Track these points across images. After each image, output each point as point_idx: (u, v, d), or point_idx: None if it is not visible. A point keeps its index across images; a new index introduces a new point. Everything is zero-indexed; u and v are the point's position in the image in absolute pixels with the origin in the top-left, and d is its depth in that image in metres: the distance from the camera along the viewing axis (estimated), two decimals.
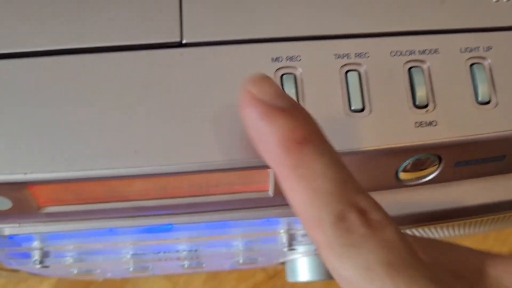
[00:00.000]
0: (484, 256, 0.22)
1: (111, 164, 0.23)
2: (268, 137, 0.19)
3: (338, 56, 0.25)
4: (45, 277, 0.47)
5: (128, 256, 0.29)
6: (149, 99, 0.23)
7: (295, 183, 0.18)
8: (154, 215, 0.27)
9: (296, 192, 0.18)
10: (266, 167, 0.24)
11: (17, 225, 0.27)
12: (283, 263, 0.35)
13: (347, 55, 0.25)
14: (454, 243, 0.23)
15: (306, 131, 0.19)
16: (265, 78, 0.20)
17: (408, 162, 0.25)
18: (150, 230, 0.27)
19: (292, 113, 0.19)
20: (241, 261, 0.31)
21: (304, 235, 0.28)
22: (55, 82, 0.24)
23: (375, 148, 0.24)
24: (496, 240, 0.51)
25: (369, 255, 0.17)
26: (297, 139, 0.18)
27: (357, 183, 0.19)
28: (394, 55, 0.25)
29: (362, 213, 0.18)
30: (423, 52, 0.25)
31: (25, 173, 0.23)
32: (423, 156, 0.25)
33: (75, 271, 0.31)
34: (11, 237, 0.27)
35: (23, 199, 0.25)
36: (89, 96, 0.23)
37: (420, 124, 0.24)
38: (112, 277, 0.33)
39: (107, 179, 0.23)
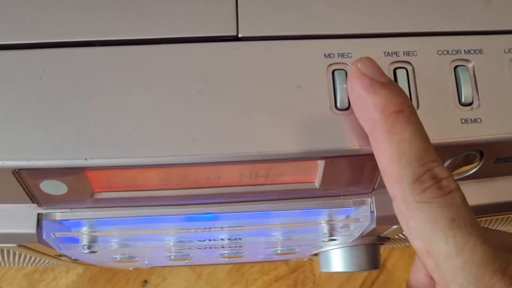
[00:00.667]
0: None
1: (170, 152, 0.24)
2: (369, 104, 0.22)
3: (388, 54, 0.26)
4: (72, 266, 0.47)
5: (171, 243, 0.29)
6: (207, 90, 0.24)
7: (387, 145, 0.21)
8: (202, 203, 0.28)
9: (385, 152, 0.22)
10: (316, 158, 0.25)
11: (68, 210, 0.28)
12: (315, 255, 0.36)
13: (396, 53, 0.26)
14: (508, 232, 0.25)
15: (401, 103, 0.22)
16: (371, 59, 0.23)
17: (452, 158, 0.26)
18: (196, 218, 0.28)
19: (390, 87, 0.22)
20: (279, 251, 0.32)
21: (343, 227, 0.29)
22: (117, 71, 0.24)
23: None
24: None
25: (436, 210, 0.20)
26: (394, 108, 0.22)
27: (435, 153, 0.22)
28: (440, 54, 0.26)
29: (436, 178, 0.21)
30: (468, 52, 0.26)
31: (86, 159, 0.24)
32: (467, 152, 0.26)
33: (118, 257, 0.32)
34: (61, 222, 0.28)
35: (79, 184, 0.25)
36: (150, 86, 0.24)
37: (466, 121, 0.25)
38: (150, 264, 0.34)
39: (165, 166, 0.24)
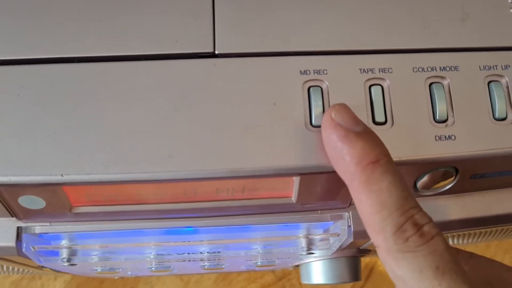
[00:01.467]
0: (508, 269, 0.26)
1: (146, 168, 0.24)
2: (345, 156, 0.22)
3: (363, 71, 0.26)
4: (59, 274, 0.47)
5: (152, 256, 0.30)
6: (184, 107, 0.24)
7: (365, 196, 0.22)
8: (181, 217, 0.28)
9: (365, 203, 0.22)
10: (291, 175, 0.25)
11: (48, 224, 0.28)
12: (296, 266, 0.37)
13: (372, 70, 0.26)
14: (490, 259, 0.27)
15: (377, 153, 0.22)
16: (344, 107, 0.23)
17: (427, 174, 0.26)
18: (175, 232, 0.29)
19: (366, 136, 0.23)
20: (259, 263, 0.32)
21: (321, 240, 0.30)
22: (94, 88, 0.25)
23: (397, 159, 0.25)
24: (498, 248, 0.52)
25: (421, 260, 0.21)
26: (370, 159, 0.22)
27: (414, 199, 0.22)
28: (416, 71, 0.26)
29: (417, 226, 0.21)
30: (444, 69, 0.26)
31: (62, 175, 0.24)
32: (441, 169, 0.26)
33: (99, 269, 0.32)
34: (41, 235, 0.28)
35: (57, 199, 0.26)
36: (126, 102, 0.24)
37: (440, 138, 0.25)
38: (132, 275, 0.34)
39: (141, 182, 0.24)
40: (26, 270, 0.36)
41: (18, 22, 0.26)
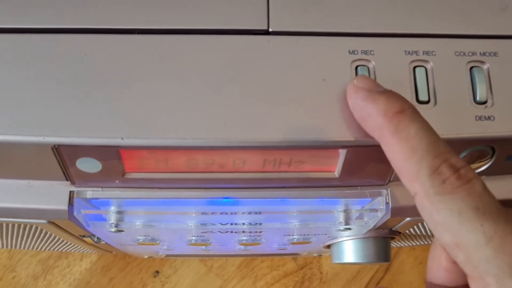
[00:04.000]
0: None
1: (201, 135, 0.25)
2: (372, 112, 0.23)
3: (408, 53, 0.27)
4: (86, 253, 0.49)
5: (194, 226, 0.31)
6: (237, 79, 0.26)
7: (397, 145, 0.22)
8: (227, 187, 0.29)
9: (397, 153, 0.22)
10: (338, 147, 0.27)
11: (99, 189, 0.29)
12: (327, 247, 0.38)
13: (416, 52, 0.27)
14: None
15: (401, 104, 0.23)
16: (365, 76, 0.25)
17: (465, 153, 0.27)
18: (219, 202, 0.30)
19: (387, 93, 0.23)
20: (296, 239, 0.33)
21: (359, 216, 0.31)
22: (153, 59, 0.26)
23: None
24: None
25: (460, 201, 0.20)
26: (395, 110, 0.23)
27: (447, 145, 0.22)
28: (458, 55, 0.27)
29: (453, 168, 0.21)
30: (484, 54, 0.27)
31: (123, 138, 0.25)
32: (479, 148, 0.27)
33: (141, 239, 0.33)
34: (91, 200, 0.29)
35: (113, 163, 0.27)
36: (184, 73, 0.26)
37: (480, 118, 0.26)
38: (168, 252, 0.35)
39: (196, 148, 0.26)
40: (64, 243, 0.37)
41: None
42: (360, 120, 0.24)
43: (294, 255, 0.49)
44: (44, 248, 0.40)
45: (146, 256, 0.44)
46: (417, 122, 0.22)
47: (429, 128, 0.22)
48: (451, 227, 0.20)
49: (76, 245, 0.39)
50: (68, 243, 0.38)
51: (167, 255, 0.44)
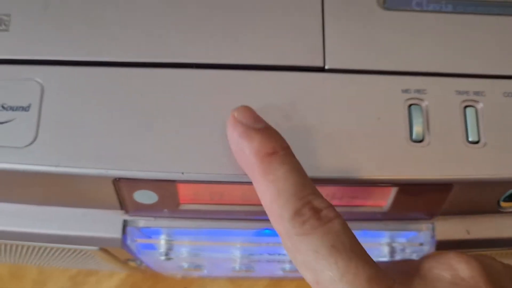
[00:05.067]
0: (423, 257, 0.25)
1: None
2: (245, 150, 0.23)
3: (459, 93, 0.28)
4: (116, 271, 0.49)
5: (240, 255, 0.31)
6: (293, 115, 0.26)
7: (265, 186, 0.23)
8: None
9: (265, 193, 0.23)
10: (390, 185, 0.27)
11: (152, 218, 0.29)
12: None
13: (467, 92, 0.28)
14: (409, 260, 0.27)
15: (274, 146, 0.23)
16: (247, 107, 0.25)
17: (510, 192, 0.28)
18: (269, 233, 0.30)
19: (264, 132, 0.24)
20: None
21: (403, 249, 0.31)
22: (209, 92, 0.27)
23: (488, 177, 0.27)
24: None
25: (317, 240, 0.21)
26: (267, 151, 0.23)
27: (314, 187, 0.23)
28: (507, 96, 0.28)
29: (315, 209, 0.22)
30: None
31: (183, 173, 0.26)
32: None
33: (186, 266, 0.34)
34: (143, 229, 0.30)
35: (169, 195, 0.28)
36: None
37: None
38: (210, 275, 0.35)
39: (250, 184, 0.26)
40: (106, 264, 0.37)
41: (143, 26, 0.28)
42: (235, 154, 0.24)
43: None
44: (76, 266, 0.41)
45: (179, 276, 0.45)
46: (286, 164, 0.23)
47: (298, 170, 0.23)
48: (311, 266, 0.21)
49: (110, 264, 0.39)
50: (104, 263, 0.38)
51: (199, 275, 0.45)
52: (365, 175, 0.26)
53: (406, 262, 0.26)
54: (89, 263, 0.37)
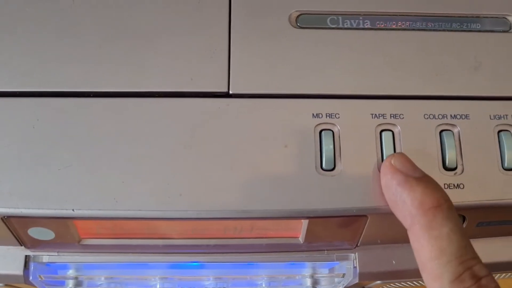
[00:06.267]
0: None
1: (156, 206, 0.24)
2: (406, 199, 0.22)
3: (375, 116, 0.26)
4: None
5: None
6: (195, 145, 0.25)
7: (426, 241, 0.22)
8: (188, 252, 0.28)
9: (425, 249, 0.22)
10: (300, 218, 0.26)
11: (55, 253, 0.28)
12: None
13: (383, 115, 0.26)
14: None
15: (438, 198, 0.22)
16: (403, 155, 0.24)
17: None
18: (181, 266, 0.29)
19: (425, 182, 0.23)
20: None
21: (327, 280, 0.30)
22: (108, 123, 0.25)
23: None
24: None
25: None
26: (431, 204, 0.22)
27: (473, 250, 0.22)
28: (427, 118, 0.26)
29: (476, 277, 0.21)
30: (455, 116, 0.26)
31: (74, 210, 0.24)
32: None
33: None
34: (48, 264, 0.28)
35: (66, 231, 0.26)
36: (139, 138, 0.25)
37: (449, 186, 0.25)
38: None
39: (151, 219, 0.25)
40: None
41: (36, 56, 0.26)
42: (391, 203, 0.24)
43: None
44: None
45: None
46: (451, 221, 0.22)
47: (461, 229, 0.22)
48: None
49: None
50: None
51: None
52: (271, 208, 0.24)
53: None
54: None
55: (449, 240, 0.21)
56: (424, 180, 0.23)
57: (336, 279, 0.29)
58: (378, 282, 0.30)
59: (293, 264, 0.29)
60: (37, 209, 0.24)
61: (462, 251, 0.21)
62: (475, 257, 0.22)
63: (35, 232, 0.26)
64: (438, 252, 0.21)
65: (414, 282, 0.33)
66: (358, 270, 0.28)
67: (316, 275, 0.29)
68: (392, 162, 0.23)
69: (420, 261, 0.22)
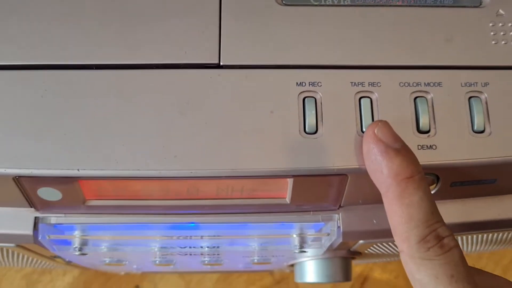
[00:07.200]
0: None
1: (153, 166, 0.26)
2: (384, 169, 0.25)
3: (354, 84, 0.28)
4: (68, 268, 0.50)
5: (156, 249, 0.32)
6: (188, 112, 0.27)
7: (398, 207, 0.25)
8: (184, 213, 0.30)
9: (396, 214, 0.25)
10: (285, 176, 0.28)
11: (62, 215, 0.30)
12: (292, 266, 0.39)
13: (362, 83, 0.28)
14: (497, 275, 0.29)
15: (412, 170, 0.25)
16: (386, 124, 0.26)
17: None
18: (178, 227, 0.31)
19: (404, 153, 0.25)
20: (255, 260, 0.34)
21: (313, 239, 0.32)
22: (109, 92, 0.27)
23: None
24: (489, 259, 0.54)
25: (438, 267, 0.24)
26: (405, 175, 0.25)
27: (439, 214, 0.25)
28: (402, 86, 0.28)
29: (439, 238, 0.24)
30: (428, 84, 0.28)
31: (78, 169, 0.26)
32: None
33: (107, 260, 0.34)
34: (56, 225, 0.30)
35: (72, 192, 0.28)
36: (137, 106, 0.27)
37: (422, 147, 0.27)
38: (137, 269, 0.36)
39: (148, 179, 0.27)
40: (39, 261, 0.38)
41: (43, 33, 0.28)
42: (370, 171, 0.26)
43: (269, 270, 0.50)
44: (24, 265, 0.42)
45: (123, 273, 0.45)
46: (421, 190, 0.25)
47: (429, 198, 0.25)
48: (427, 287, 0.24)
49: (52, 263, 0.40)
50: (44, 262, 0.39)
51: (144, 272, 0.45)
52: (258, 168, 0.27)
53: (500, 286, 0.28)
54: (27, 262, 0.38)
55: (418, 207, 0.24)
56: (402, 152, 0.25)
57: (322, 239, 0.32)
58: (361, 242, 0.32)
59: (282, 224, 0.31)
60: (46, 170, 0.26)
61: (428, 216, 0.24)
62: (440, 220, 0.25)
63: (44, 193, 0.28)
64: (408, 217, 0.24)
65: (391, 244, 0.35)
66: (341, 230, 0.30)
67: (303, 235, 0.31)
68: (376, 131, 0.25)
69: (392, 224, 0.25)
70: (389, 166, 0.25)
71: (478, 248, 0.40)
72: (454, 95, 0.28)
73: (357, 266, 0.54)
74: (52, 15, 0.29)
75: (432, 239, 0.24)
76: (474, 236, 0.36)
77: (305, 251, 0.32)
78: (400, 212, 0.24)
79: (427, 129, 0.28)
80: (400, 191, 0.24)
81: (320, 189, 0.29)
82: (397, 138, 0.26)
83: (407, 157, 0.25)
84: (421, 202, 0.24)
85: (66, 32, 0.29)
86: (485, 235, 0.36)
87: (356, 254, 0.36)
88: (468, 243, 0.37)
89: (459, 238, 0.35)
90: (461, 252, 0.24)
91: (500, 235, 0.36)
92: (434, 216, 0.25)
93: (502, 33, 0.29)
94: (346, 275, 0.36)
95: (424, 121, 0.28)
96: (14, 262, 0.38)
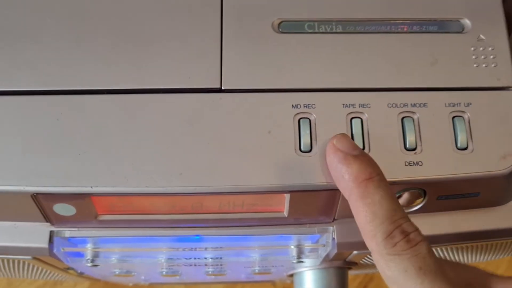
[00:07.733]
0: (490, 276, 0.30)
1: (160, 183, 0.29)
2: (344, 175, 0.27)
3: (345, 106, 0.30)
4: (79, 280, 0.52)
5: (163, 260, 0.34)
6: (193, 132, 0.29)
7: (361, 208, 0.26)
8: (189, 227, 0.32)
9: (361, 215, 0.26)
10: (283, 192, 0.30)
11: (76, 229, 0.33)
12: (291, 275, 0.41)
13: (353, 105, 0.30)
14: (474, 267, 0.30)
15: (370, 172, 0.27)
16: (344, 135, 0.28)
17: (398, 195, 0.30)
18: (184, 239, 0.33)
19: (361, 158, 0.27)
20: (257, 270, 0.36)
21: (311, 250, 0.34)
22: (118, 115, 0.30)
23: None
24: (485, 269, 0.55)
25: (406, 261, 0.25)
26: (364, 177, 0.26)
27: (403, 211, 0.26)
28: (390, 107, 0.30)
29: (405, 233, 0.25)
30: (414, 105, 0.31)
31: (91, 187, 0.29)
32: (410, 190, 0.30)
33: (117, 271, 0.37)
34: (70, 239, 0.33)
35: (85, 207, 0.31)
36: (144, 128, 0.29)
37: (409, 164, 0.30)
38: (145, 280, 0.38)
39: (155, 195, 0.29)
40: (52, 273, 0.40)
41: (57, 60, 0.31)
42: (334, 178, 0.28)
43: (271, 281, 0.52)
44: (37, 277, 0.44)
45: (131, 284, 0.48)
46: (381, 189, 0.26)
47: (391, 195, 0.26)
48: (398, 282, 0.25)
49: (65, 275, 0.42)
50: (57, 274, 0.42)
51: (151, 284, 0.47)
52: (257, 184, 0.29)
53: (473, 277, 0.30)
54: (41, 274, 0.41)
55: (380, 205, 0.26)
56: (359, 157, 0.27)
57: (319, 250, 0.34)
58: (355, 252, 0.34)
59: (281, 236, 0.33)
60: (61, 187, 0.29)
61: (392, 213, 0.26)
62: (404, 217, 0.26)
63: (59, 208, 0.30)
64: (372, 216, 0.26)
65: None
66: (336, 241, 0.32)
67: (301, 246, 0.33)
68: (335, 142, 0.28)
69: (359, 225, 0.27)
70: (349, 171, 0.26)
71: (470, 258, 0.42)
72: (438, 115, 0.30)
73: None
74: (65, 43, 0.31)
75: (398, 234, 0.25)
76: (464, 246, 0.37)
77: (302, 261, 0.34)
78: (364, 212, 0.26)
79: (414, 146, 0.30)
80: (362, 191, 0.26)
81: (315, 204, 0.31)
82: (355, 146, 0.28)
83: (364, 161, 0.27)
84: (382, 200, 0.26)
85: (78, 59, 0.31)
86: (475, 245, 0.38)
87: (352, 264, 0.38)
88: (458, 253, 0.39)
89: (448, 248, 0.37)
90: (428, 245, 0.25)
91: (487, 244, 0.38)
92: (398, 212, 0.26)
93: (483, 56, 0.32)
94: (343, 285, 0.38)
95: (411, 139, 0.30)
96: (29, 274, 0.40)
